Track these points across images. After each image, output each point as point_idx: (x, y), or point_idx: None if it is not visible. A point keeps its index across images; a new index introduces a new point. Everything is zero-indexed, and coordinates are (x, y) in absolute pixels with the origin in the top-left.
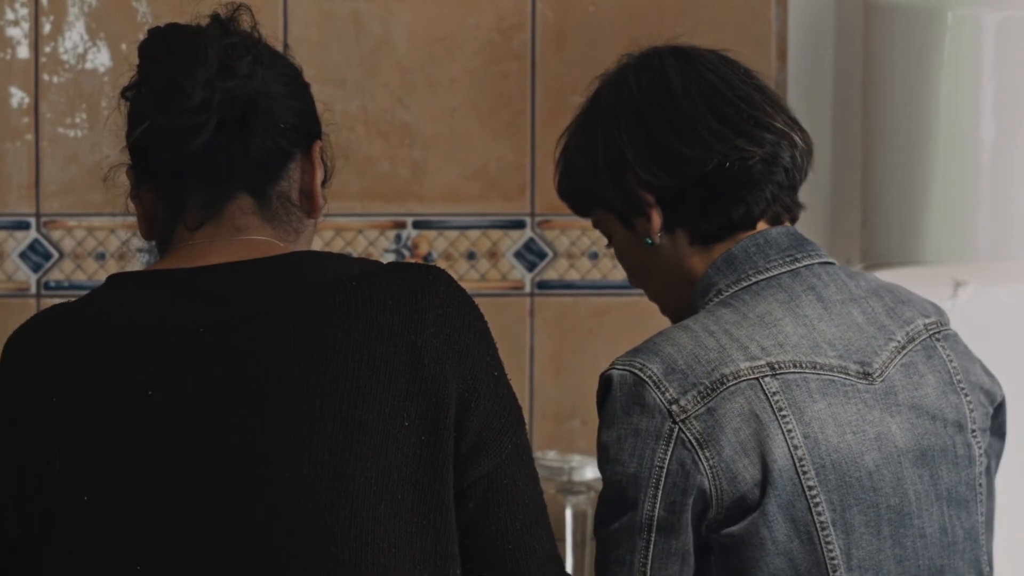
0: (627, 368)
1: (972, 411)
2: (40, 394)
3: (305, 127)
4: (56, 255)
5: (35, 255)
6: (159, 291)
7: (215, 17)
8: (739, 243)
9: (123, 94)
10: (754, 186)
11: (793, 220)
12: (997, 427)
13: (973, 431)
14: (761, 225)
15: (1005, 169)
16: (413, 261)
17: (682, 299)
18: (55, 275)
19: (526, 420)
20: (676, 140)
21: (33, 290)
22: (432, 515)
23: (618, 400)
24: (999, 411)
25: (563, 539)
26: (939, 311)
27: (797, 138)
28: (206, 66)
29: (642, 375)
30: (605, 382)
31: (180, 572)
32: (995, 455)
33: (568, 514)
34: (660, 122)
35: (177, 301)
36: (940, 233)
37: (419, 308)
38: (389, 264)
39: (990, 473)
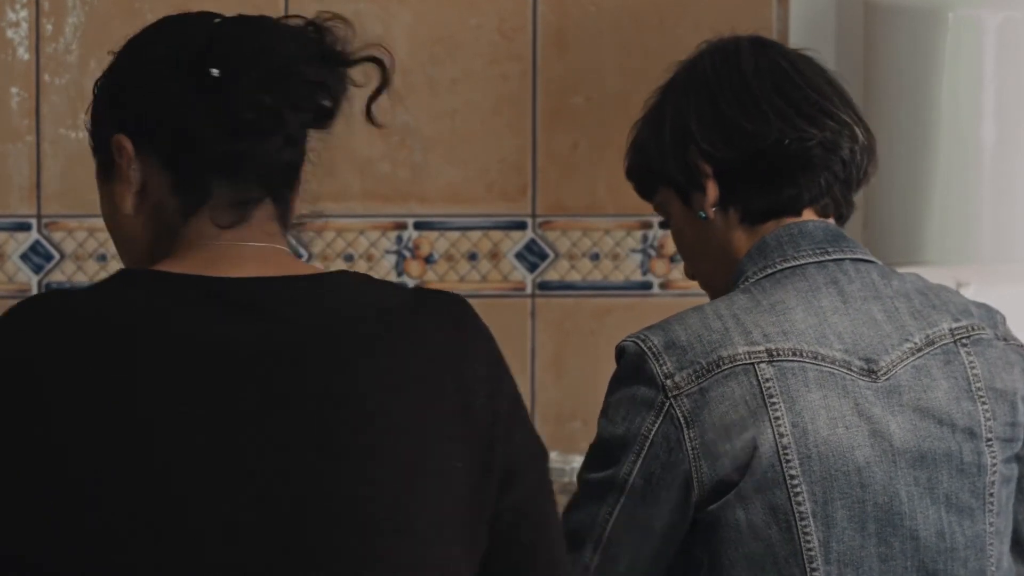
0: (634, 339)
1: (988, 420)
2: (18, 407)
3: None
4: (57, 256)
5: (36, 256)
6: (196, 297)
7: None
8: (774, 232)
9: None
10: (810, 169)
11: (841, 218)
12: None
13: (988, 440)
14: (808, 214)
15: (1007, 170)
16: (440, 289)
17: (726, 283)
18: (56, 276)
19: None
20: (739, 114)
21: (34, 292)
22: (474, 559)
23: (623, 368)
24: None
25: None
26: (985, 314)
27: (859, 132)
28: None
29: (644, 347)
30: (618, 352)
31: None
32: None
33: None
34: (727, 97)
35: (225, 311)
36: (942, 234)
37: (462, 340)
38: (420, 290)
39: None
